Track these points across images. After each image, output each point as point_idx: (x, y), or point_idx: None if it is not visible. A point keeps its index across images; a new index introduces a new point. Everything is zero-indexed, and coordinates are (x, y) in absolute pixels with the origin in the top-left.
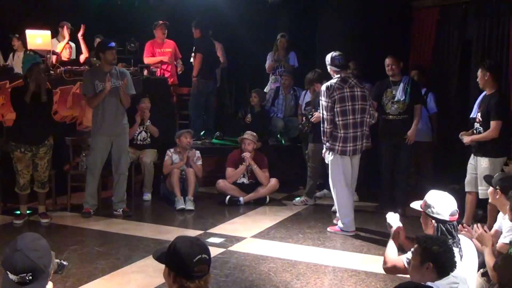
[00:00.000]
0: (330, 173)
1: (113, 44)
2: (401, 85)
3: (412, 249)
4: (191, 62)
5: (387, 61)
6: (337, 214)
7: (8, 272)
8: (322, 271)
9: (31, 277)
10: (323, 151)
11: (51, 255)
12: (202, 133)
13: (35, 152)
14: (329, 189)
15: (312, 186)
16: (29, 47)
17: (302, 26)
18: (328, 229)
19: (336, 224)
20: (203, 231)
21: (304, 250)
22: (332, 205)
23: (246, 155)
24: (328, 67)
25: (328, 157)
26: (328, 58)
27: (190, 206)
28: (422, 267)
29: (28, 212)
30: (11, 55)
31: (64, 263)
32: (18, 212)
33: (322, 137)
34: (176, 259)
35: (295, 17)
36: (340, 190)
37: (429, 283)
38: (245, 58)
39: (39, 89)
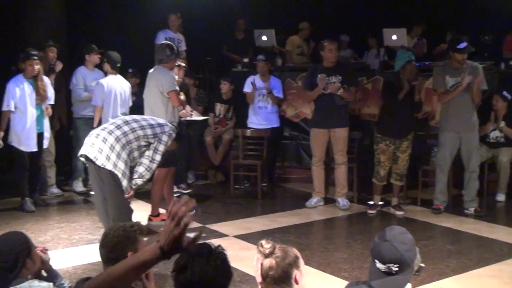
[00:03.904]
0: None
1: (463, 45)
2: None
3: None
4: None
5: None
6: None
7: (376, 261)
8: None
9: (397, 269)
10: None
11: (416, 251)
12: None
13: (397, 145)
14: None
15: None
16: (385, 43)
17: None
18: None
19: None
20: None
21: None
22: None
23: None
24: None
25: None
26: None
27: None
28: None
29: (380, 203)
30: (365, 53)
31: (422, 265)
32: (371, 202)
33: None
34: None
35: None
36: None
37: None
38: None
39: (410, 86)
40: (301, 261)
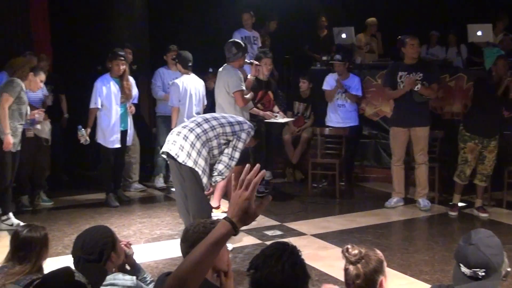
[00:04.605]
0: None
1: None
2: None
3: None
4: None
5: None
6: None
7: (461, 265)
8: None
9: (483, 274)
10: None
11: (503, 255)
12: None
13: (485, 144)
14: None
15: None
16: (469, 40)
17: None
18: None
19: None
20: None
21: None
22: None
23: None
24: None
25: None
26: None
27: None
28: None
29: (461, 204)
30: (444, 49)
31: (509, 270)
32: (453, 202)
33: None
34: None
35: None
36: None
37: None
38: None
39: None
40: (385, 264)
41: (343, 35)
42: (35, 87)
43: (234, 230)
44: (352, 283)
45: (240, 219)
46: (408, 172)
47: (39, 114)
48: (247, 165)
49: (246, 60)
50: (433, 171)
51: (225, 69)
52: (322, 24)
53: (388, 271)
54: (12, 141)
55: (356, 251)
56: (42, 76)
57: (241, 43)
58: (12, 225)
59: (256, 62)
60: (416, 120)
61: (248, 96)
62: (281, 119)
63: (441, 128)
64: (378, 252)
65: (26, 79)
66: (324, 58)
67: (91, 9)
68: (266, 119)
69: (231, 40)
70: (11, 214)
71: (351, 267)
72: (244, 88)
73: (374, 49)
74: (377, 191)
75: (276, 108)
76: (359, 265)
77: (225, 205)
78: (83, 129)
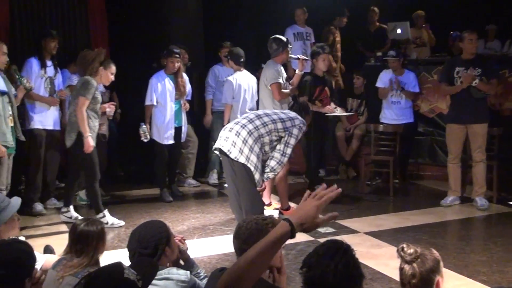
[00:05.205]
0: None
1: None
2: None
3: None
4: None
5: None
6: None
7: None
8: None
9: None
10: None
11: None
12: None
13: None
14: None
15: None
16: None
17: None
18: None
19: None
20: None
21: None
22: None
23: None
24: None
25: None
26: None
27: None
28: None
29: None
30: (507, 43)
31: None
32: None
33: None
34: None
35: None
36: None
37: None
38: None
39: None
40: (442, 264)
41: (398, 30)
42: (106, 80)
43: (291, 233)
44: (408, 283)
45: (301, 223)
46: (465, 170)
47: (110, 108)
48: (323, 184)
49: (292, 55)
50: (491, 169)
51: (267, 64)
52: (373, 18)
53: (444, 271)
54: (92, 144)
55: (411, 250)
56: (113, 68)
57: (282, 38)
58: (71, 217)
59: (303, 57)
60: (474, 116)
61: (286, 90)
62: (340, 113)
63: (500, 125)
64: (435, 251)
65: (97, 74)
66: (379, 53)
67: (146, 6)
68: (327, 114)
69: (272, 36)
70: (71, 207)
71: (406, 266)
72: (281, 81)
73: (425, 42)
74: (432, 189)
75: (332, 104)
76: (414, 265)
77: (275, 201)
78: (145, 126)
